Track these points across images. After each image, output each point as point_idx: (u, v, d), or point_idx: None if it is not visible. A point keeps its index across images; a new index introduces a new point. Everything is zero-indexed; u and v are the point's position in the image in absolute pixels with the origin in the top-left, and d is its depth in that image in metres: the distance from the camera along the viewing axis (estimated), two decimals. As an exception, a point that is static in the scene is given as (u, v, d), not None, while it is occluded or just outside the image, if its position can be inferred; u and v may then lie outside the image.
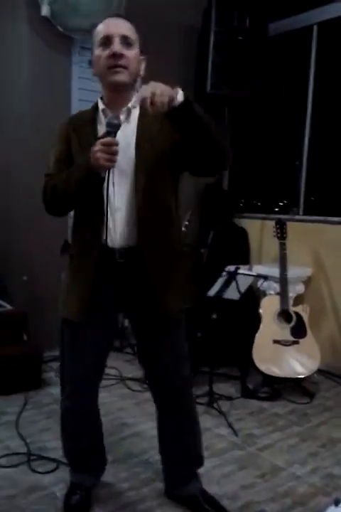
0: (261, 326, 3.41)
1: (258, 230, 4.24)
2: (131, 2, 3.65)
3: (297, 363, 3.31)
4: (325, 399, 3.32)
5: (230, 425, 2.85)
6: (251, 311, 3.60)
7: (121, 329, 3.80)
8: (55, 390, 3.21)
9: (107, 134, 1.70)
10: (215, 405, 3.03)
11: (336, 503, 1.00)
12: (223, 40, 3.94)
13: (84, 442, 2.09)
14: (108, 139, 1.68)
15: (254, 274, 3.59)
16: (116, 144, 1.68)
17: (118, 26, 1.76)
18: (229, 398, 3.25)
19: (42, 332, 3.53)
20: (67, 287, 1.93)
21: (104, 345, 2.00)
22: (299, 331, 3.38)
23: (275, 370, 3.29)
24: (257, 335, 3.38)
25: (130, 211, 1.82)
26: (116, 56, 1.73)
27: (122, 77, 1.76)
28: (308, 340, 3.37)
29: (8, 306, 3.57)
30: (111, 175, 1.72)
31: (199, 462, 2.15)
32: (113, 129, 1.70)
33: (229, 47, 3.95)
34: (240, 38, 3.97)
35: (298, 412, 3.10)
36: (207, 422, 2.91)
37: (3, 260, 3.82)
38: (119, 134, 1.72)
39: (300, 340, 3.36)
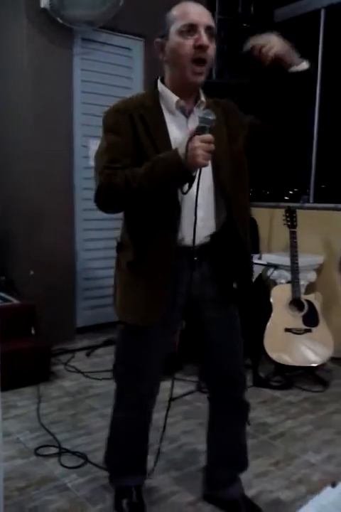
0: (272, 314, 3.35)
1: (267, 219, 4.18)
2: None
3: (309, 351, 3.26)
4: (339, 386, 3.25)
5: (242, 414, 2.80)
6: (261, 300, 3.54)
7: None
8: (65, 383, 3.22)
9: (201, 129, 1.52)
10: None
11: (333, 485, 0.98)
12: (227, 28, 3.91)
13: (132, 452, 1.98)
14: (207, 136, 1.50)
15: (264, 263, 3.55)
16: (213, 141, 1.52)
17: (203, 15, 1.62)
18: (241, 388, 3.19)
19: (50, 325, 3.51)
20: (132, 291, 1.75)
21: (167, 348, 1.89)
22: (311, 319, 3.32)
23: (286, 359, 3.24)
24: (268, 324, 3.33)
25: (207, 207, 1.71)
26: (202, 48, 1.60)
27: (202, 78, 1.66)
28: (321, 329, 3.31)
29: (16, 301, 3.56)
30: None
31: (245, 465, 2.03)
32: (209, 124, 1.52)
33: (233, 34, 3.92)
34: (245, 24, 3.94)
35: (311, 401, 3.05)
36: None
37: (11, 255, 3.81)
38: (190, 127, 1.63)
39: (313, 329, 3.30)
